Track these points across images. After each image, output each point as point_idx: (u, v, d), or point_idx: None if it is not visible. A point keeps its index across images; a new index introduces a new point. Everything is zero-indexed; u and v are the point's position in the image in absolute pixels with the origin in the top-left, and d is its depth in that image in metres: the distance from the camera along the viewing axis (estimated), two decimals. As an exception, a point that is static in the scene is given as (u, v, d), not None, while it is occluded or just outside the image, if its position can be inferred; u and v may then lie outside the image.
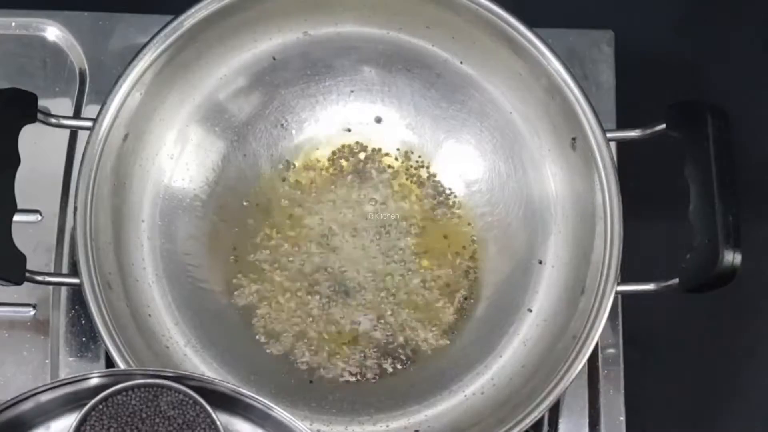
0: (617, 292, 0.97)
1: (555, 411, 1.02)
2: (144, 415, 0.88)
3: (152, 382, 0.88)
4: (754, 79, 1.17)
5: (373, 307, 1.04)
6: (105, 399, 0.87)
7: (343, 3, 1.05)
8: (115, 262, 1.00)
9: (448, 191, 1.08)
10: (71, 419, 0.88)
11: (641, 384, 1.05)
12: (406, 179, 1.08)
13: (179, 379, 0.88)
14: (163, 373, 0.88)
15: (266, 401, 0.88)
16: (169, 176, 1.05)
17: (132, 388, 0.88)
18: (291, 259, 1.05)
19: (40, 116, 0.98)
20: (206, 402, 0.88)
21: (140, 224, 1.04)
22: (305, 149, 1.08)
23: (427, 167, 1.08)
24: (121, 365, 0.94)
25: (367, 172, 1.08)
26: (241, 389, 0.88)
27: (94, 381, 0.88)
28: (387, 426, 1.01)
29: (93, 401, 0.87)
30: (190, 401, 0.88)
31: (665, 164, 1.02)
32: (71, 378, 0.88)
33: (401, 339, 1.04)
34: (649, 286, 0.98)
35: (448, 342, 1.04)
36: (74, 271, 0.99)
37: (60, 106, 1.09)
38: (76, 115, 1.09)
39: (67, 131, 1.07)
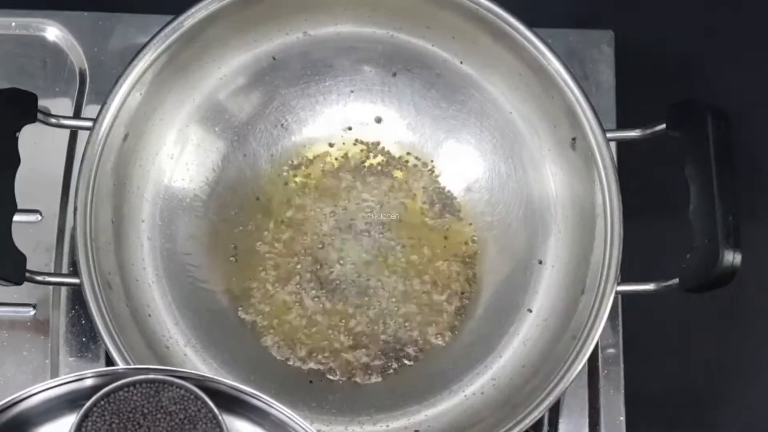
0: (617, 292, 0.97)
1: (555, 411, 1.02)
2: (146, 411, 0.88)
3: (154, 378, 0.88)
4: (754, 79, 1.17)
5: (373, 307, 1.04)
6: (107, 395, 0.88)
7: (343, 3, 1.05)
8: (115, 262, 1.00)
9: (448, 191, 1.07)
10: (71, 418, 0.88)
11: (641, 384, 1.05)
12: (406, 179, 1.08)
13: (178, 377, 0.88)
14: (161, 372, 0.88)
15: (267, 398, 0.88)
16: (169, 176, 1.05)
17: (134, 383, 0.88)
18: (291, 259, 1.05)
19: (40, 116, 0.98)
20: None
21: (140, 224, 1.03)
22: (305, 149, 1.08)
23: (428, 167, 1.08)
24: (121, 365, 0.94)
25: (367, 172, 1.08)
26: (241, 386, 0.88)
27: (94, 380, 0.88)
28: (387, 426, 1.01)
29: (95, 397, 0.87)
30: (192, 396, 0.88)
31: (665, 164, 1.02)
32: (71, 377, 0.88)
33: (401, 339, 1.04)
34: (649, 286, 0.98)
35: (448, 342, 1.04)
36: (74, 271, 0.99)
37: (60, 106, 1.09)
38: (76, 115, 1.09)
39: (67, 131, 1.07)
